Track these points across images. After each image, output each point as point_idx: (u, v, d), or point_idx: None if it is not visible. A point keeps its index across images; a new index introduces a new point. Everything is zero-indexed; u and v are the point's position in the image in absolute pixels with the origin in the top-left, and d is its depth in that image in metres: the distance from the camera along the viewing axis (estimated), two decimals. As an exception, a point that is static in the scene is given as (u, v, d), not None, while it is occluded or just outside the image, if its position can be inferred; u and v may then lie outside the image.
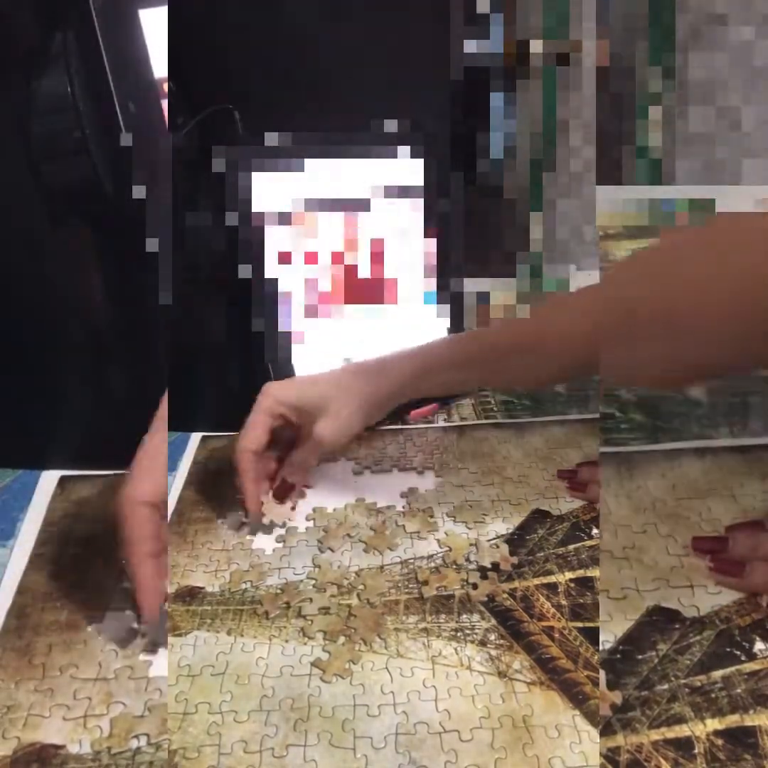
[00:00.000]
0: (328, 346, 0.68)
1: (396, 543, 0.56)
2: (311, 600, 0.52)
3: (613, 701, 0.43)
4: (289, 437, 0.62)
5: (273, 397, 0.60)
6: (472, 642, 0.48)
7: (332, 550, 0.56)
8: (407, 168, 0.68)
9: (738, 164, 0.70)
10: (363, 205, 0.66)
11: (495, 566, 0.54)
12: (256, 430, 0.59)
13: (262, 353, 0.65)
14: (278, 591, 0.53)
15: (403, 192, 0.67)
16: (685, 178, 0.71)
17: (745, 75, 0.67)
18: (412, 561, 0.55)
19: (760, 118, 0.68)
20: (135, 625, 0.49)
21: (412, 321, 0.71)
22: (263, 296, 0.64)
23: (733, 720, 0.42)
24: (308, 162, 0.64)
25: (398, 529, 0.58)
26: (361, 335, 0.69)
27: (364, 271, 0.68)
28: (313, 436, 0.59)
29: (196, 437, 0.71)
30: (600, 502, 0.58)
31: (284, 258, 0.65)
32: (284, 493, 0.60)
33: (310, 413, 0.59)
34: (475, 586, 0.52)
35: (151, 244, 0.55)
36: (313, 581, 0.54)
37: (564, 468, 0.64)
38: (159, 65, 0.55)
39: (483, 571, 0.53)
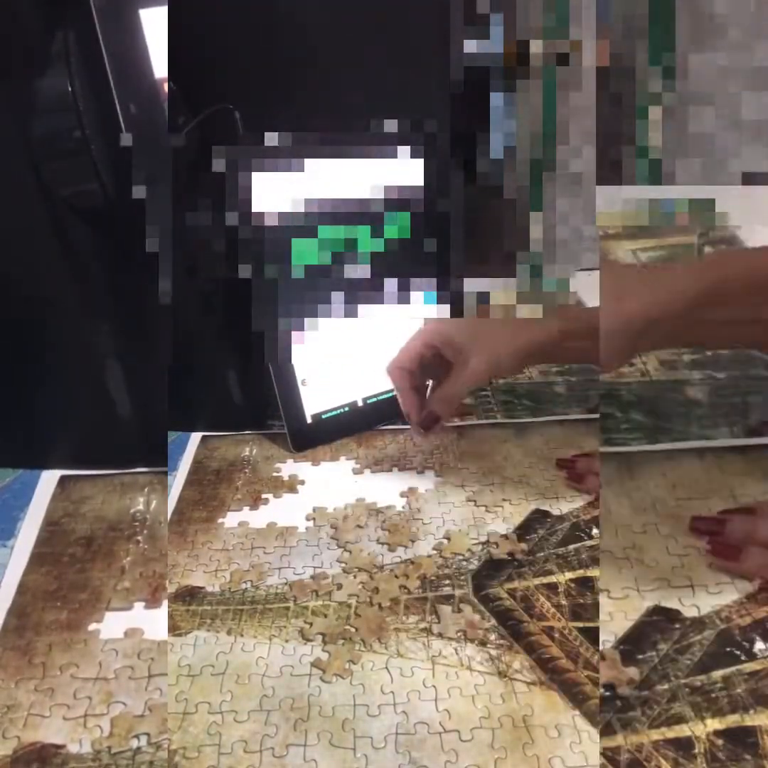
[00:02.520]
0: (327, 346, 0.68)
1: (399, 542, 0.57)
2: (340, 586, 0.53)
3: (630, 678, 0.43)
4: (436, 373, 0.62)
5: (432, 328, 0.61)
6: (472, 642, 0.48)
7: (350, 543, 0.57)
8: (407, 168, 0.68)
9: (736, 164, 0.70)
10: (364, 204, 0.66)
11: (512, 555, 0.54)
12: (408, 353, 0.61)
13: (262, 353, 0.65)
14: (309, 579, 0.54)
15: (404, 192, 0.67)
16: (685, 177, 0.71)
17: (744, 74, 0.67)
18: (412, 561, 0.55)
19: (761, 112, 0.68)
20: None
21: (412, 321, 0.71)
22: (263, 296, 0.64)
23: (733, 720, 0.42)
24: (308, 162, 0.64)
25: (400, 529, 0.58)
26: (360, 335, 0.69)
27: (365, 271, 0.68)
28: (467, 368, 0.58)
29: (196, 437, 0.71)
30: (598, 495, 0.59)
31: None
32: (429, 423, 0.61)
33: (465, 348, 0.59)
34: (476, 586, 0.52)
35: (152, 233, 0.55)
36: (343, 565, 0.55)
37: (563, 457, 0.64)
38: (159, 65, 0.55)
39: (482, 569, 0.53)
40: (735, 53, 0.66)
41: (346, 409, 0.70)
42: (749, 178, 0.61)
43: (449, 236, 0.69)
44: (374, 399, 0.71)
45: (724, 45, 0.66)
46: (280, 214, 0.63)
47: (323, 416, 0.69)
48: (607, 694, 0.43)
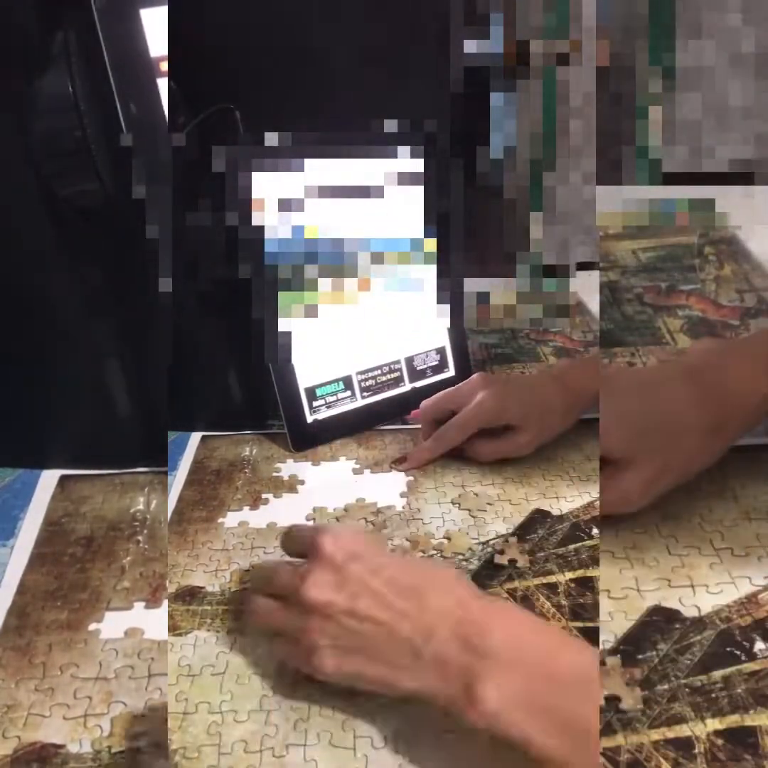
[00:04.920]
0: (327, 345, 0.68)
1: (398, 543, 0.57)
2: None
3: (631, 675, 0.43)
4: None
5: (486, 412, 0.63)
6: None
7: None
8: (407, 168, 0.68)
9: (722, 151, 0.71)
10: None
11: (513, 563, 0.54)
12: (462, 432, 0.64)
13: (262, 353, 0.65)
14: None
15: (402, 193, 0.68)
16: (672, 165, 0.72)
17: (732, 62, 0.68)
18: (412, 561, 0.55)
19: (745, 104, 0.69)
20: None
21: (412, 321, 0.71)
22: (263, 295, 0.64)
23: (733, 720, 0.42)
24: (308, 162, 0.64)
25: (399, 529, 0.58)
26: (360, 335, 0.69)
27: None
28: (512, 445, 0.64)
29: (196, 437, 0.71)
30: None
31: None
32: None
33: (516, 427, 0.64)
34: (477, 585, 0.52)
35: (152, 233, 0.55)
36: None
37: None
38: (159, 65, 0.55)
39: (482, 569, 0.53)
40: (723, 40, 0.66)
41: (341, 384, 0.70)
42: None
43: (449, 236, 0.69)
44: (369, 377, 0.71)
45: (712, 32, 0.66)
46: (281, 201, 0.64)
47: (318, 391, 0.69)
48: (607, 694, 0.43)
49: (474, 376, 0.67)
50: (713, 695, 0.43)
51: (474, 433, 0.64)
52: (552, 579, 0.53)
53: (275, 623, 0.45)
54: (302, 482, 0.65)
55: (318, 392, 0.69)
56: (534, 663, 0.38)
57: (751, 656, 0.45)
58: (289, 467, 0.67)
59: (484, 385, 0.65)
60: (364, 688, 0.42)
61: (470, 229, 0.70)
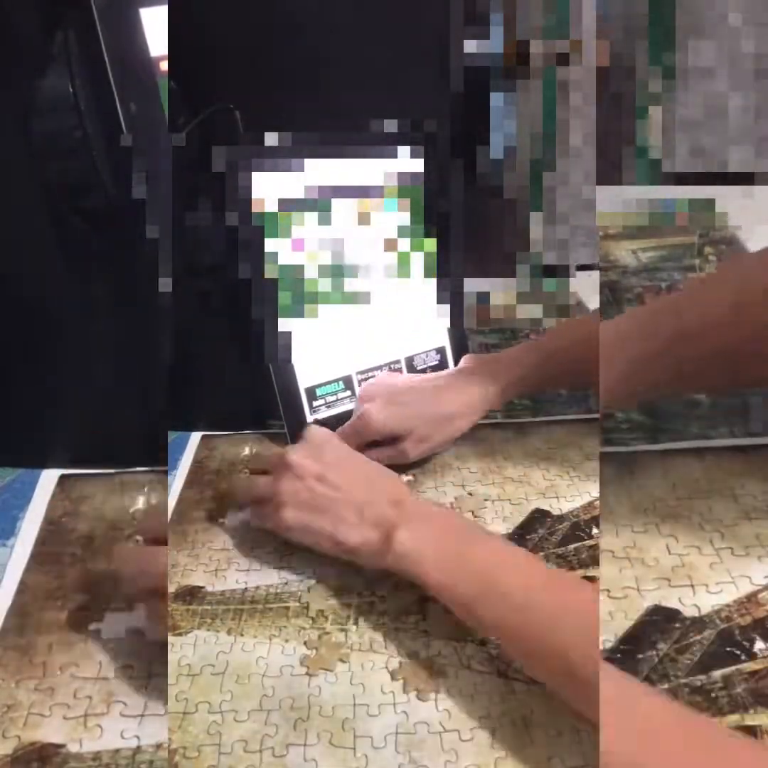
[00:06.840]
0: (327, 345, 0.68)
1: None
2: (340, 586, 0.52)
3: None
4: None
5: (374, 427, 0.62)
6: (472, 642, 0.48)
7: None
8: (407, 168, 0.68)
9: (724, 151, 0.71)
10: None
11: None
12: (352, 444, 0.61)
13: (262, 353, 0.65)
14: (309, 579, 0.54)
15: (403, 193, 0.68)
16: (671, 164, 0.72)
17: (732, 62, 0.68)
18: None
19: (745, 104, 0.69)
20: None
21: (412, 321, 0.71)
22: (263, 296, 0.64)
23: (733, 720, 0.42)
24: (308, 162, 0.64)
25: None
26: (360, 335, 0.69)
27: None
28: (397, 451, 0.63)
29: (196, 437, 0.71)
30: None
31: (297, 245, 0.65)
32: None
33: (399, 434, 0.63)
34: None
35: (152, 233, 0.55)
36: (343, 565, 0.54)
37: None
38: (159, 65, 0.55)
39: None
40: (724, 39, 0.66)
41: (341, 384, 0.70)
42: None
43: (449, 236, 0.69)
44: (370, 377, 0.71)
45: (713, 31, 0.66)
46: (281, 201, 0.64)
47: (318, 391, 0.69)
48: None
49: (363, 386, 0.68)
50: (713, 695, 0.43)
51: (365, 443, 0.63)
52: (552, 579, 0.52)
53: (253, 490, 0.56)
54: (302, 482, 0.65)
55: (318, 392, 0.69)
56: (443, 518, 0.50)
57: (751, 656, 0.45)
58: (289, 467, 0.67)
59: (370, 397, 0.65)
60: (313, 543, 0.51)
61: (470, 229, 0.70)
